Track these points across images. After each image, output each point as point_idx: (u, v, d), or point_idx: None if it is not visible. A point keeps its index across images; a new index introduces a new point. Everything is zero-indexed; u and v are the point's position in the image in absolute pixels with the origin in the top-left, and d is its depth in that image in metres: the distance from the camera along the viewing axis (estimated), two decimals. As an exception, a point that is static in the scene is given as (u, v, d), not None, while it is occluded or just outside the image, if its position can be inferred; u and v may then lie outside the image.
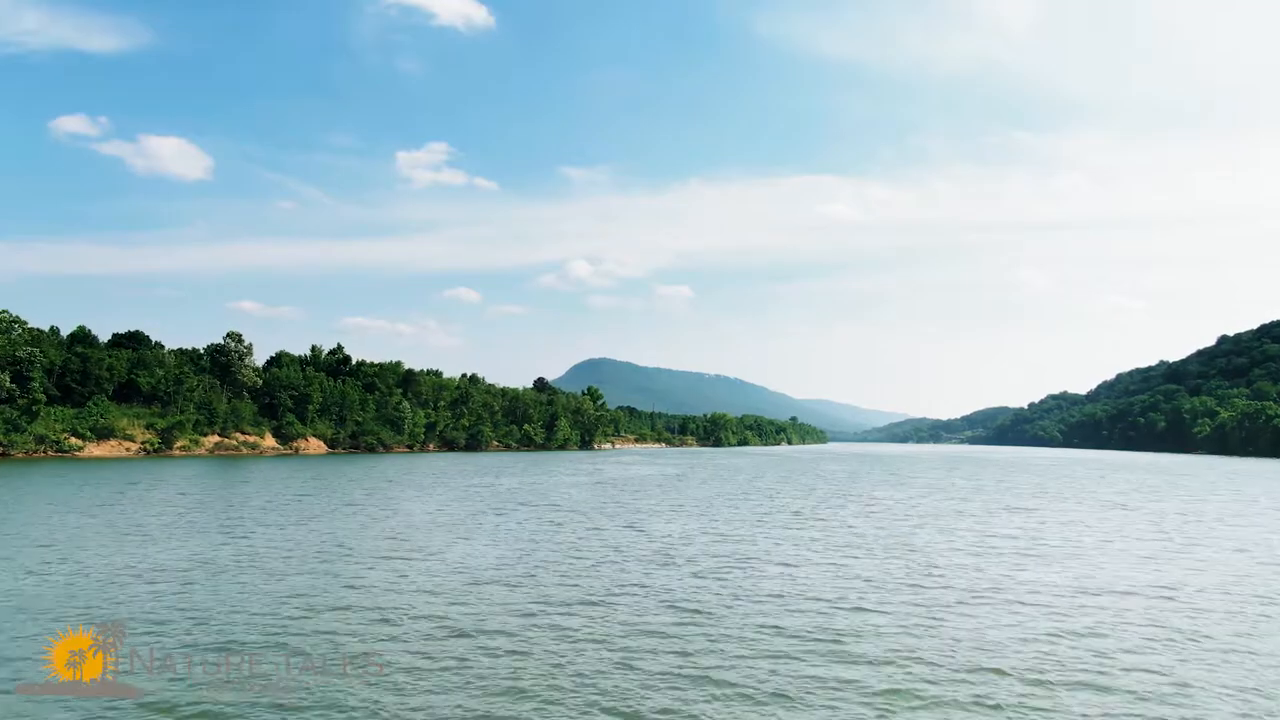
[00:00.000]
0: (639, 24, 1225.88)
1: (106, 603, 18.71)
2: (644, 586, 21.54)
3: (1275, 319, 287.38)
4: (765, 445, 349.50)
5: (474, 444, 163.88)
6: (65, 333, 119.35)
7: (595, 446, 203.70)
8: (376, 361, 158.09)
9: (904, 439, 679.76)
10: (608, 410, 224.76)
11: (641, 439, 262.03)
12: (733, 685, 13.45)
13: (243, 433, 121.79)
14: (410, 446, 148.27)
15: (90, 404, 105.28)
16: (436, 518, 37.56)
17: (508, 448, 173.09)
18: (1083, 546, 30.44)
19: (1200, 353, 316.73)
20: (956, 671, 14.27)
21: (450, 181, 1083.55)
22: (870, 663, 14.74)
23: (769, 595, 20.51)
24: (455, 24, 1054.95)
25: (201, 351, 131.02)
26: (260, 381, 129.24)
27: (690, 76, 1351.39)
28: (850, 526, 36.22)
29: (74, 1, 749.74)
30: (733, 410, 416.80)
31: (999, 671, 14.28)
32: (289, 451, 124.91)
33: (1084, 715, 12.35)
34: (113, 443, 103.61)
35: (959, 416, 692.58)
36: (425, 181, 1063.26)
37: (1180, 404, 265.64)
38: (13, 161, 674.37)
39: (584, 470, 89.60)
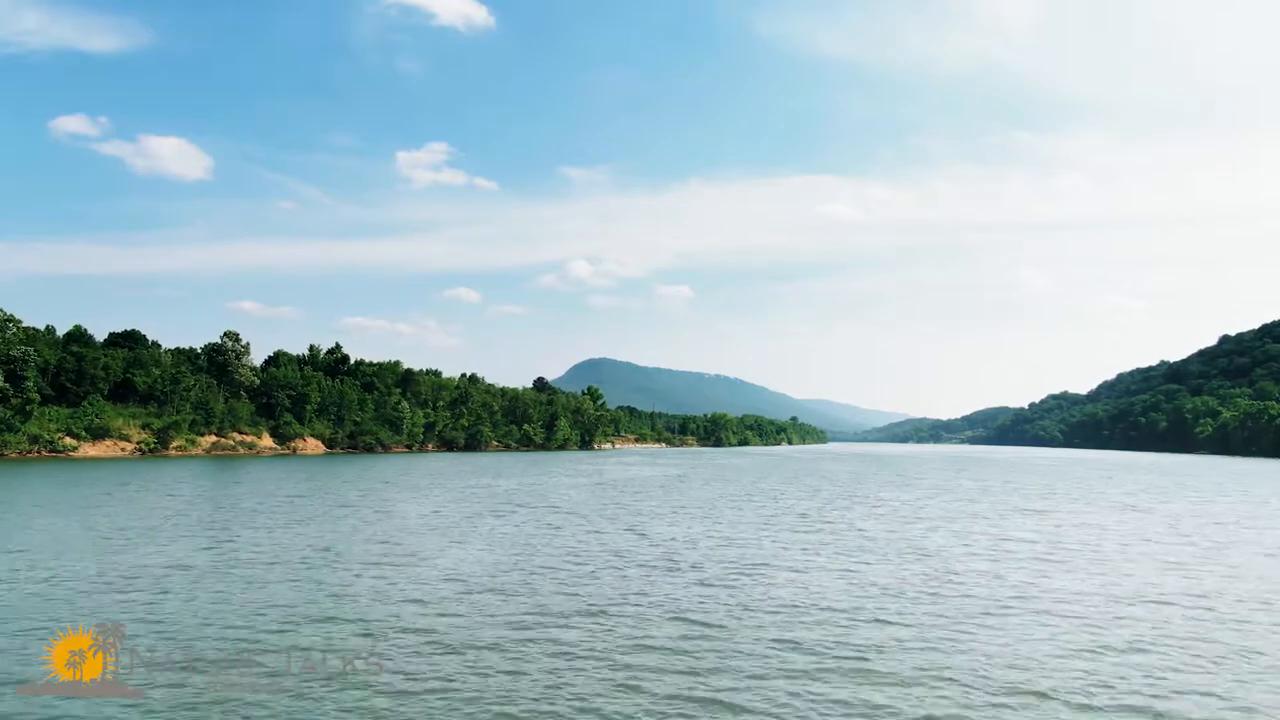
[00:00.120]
0: (639, 24, 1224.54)
1: (72, 613, 17.41)
2: (647, 595, 20.25)
3: (1277, 319, 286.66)
4: (765, 445, 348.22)
5: (473, 444, 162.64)
6: (63, 333, 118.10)
7: (595, 446, 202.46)
8: (375, 361, 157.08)
9: (904, 439, 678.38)
10: (608, 410, 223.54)
11: (642, 439, 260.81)
12: (749, 711, 12.13)
13: (240, 433, 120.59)
14: (409, 446, 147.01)
15: (85, 404, 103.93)
16: (431, 521, 36.25)
17: (507, 448, 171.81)
18: (1104, 551, 29.15)
19: (1201, 352, 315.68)
20: (994, 695, 12.94)
21: (450, 181, 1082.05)
22: (899, 684, 13.42)
23: (781, 605, 19.21)
24: (455, 24, 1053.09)
25: (198, 351, 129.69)
26: (258, 381, 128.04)
27: (690, 76, 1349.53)
28: (860, 529, 34.92)
29: (74, 1, 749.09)
30: (733, 410, 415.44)
31: (1041, 694, 12.94)
32: (286, 451, 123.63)
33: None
34: (108, 443, 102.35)
35: (959, 416, 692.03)
36: (425, 181, 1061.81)
37: (1182, 404, 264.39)
38: (13, 161, 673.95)
39: (584, 471, 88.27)
